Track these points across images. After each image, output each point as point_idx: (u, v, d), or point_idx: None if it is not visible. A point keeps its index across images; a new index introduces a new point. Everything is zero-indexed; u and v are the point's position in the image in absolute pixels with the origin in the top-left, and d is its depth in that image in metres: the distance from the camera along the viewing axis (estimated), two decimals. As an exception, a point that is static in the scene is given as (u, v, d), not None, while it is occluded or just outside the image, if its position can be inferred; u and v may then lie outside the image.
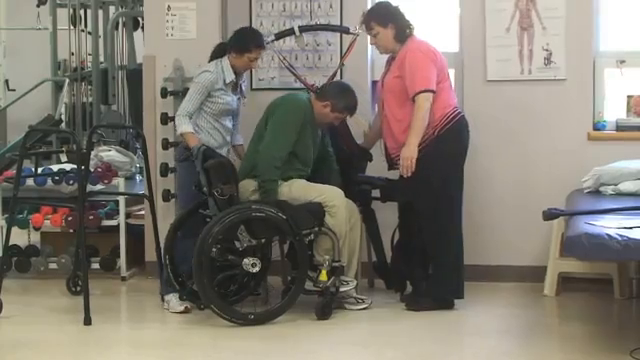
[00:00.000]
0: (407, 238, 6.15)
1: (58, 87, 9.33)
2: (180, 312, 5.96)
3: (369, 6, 6.70)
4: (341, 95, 6.08)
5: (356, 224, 6.01)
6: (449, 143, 5.89)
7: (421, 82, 5.83)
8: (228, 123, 6.19)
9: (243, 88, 6.29)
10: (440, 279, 5.96)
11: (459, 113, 5.97)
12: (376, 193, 6.32)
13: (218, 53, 6.17)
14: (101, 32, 9.26)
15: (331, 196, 5.89)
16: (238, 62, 6.10)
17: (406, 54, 5.92)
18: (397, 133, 5.96)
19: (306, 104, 6.09)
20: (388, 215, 6.31)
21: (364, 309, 5.95)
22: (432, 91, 5.82)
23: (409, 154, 5.83)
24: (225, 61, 6.10)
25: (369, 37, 6.11)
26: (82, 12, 9.44)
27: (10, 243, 6.34)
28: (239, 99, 6.24)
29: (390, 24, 5.97)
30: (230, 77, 6.09)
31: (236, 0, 6.95)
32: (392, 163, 6.07)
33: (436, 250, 5.95)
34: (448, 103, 5.93)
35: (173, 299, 6.03)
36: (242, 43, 6.10)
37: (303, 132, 6.00)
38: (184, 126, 6.02)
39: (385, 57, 6.16)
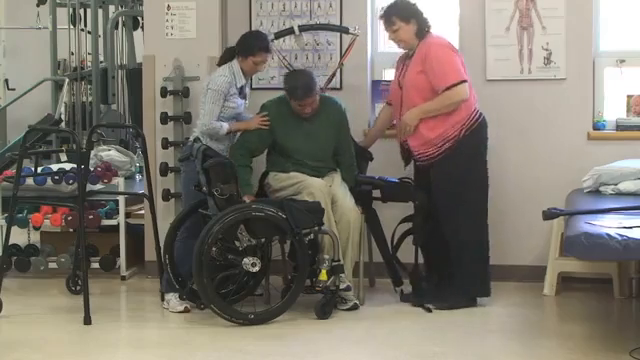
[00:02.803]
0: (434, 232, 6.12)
1: (58, 86, 9.32)
2: (180, 312, 5.97)
3: (369, 6, 6.75)
4: (285, 80, 6.15)
5: (348, 228, 5.96)
6: (473, 144, 5.94)
7: (454, 74, 5.87)
8: None
9: (247, 91, 6.27)
10: (463, 277, 5.96)
11: (481, 113, 6.01)
12: (377, 193, 6.31)
13: (227, 57, 6.15)
14: (101, 31, 9.27)
15: (308, 183, 5.94)
16: (244, 66, 6.08)
17: (430, 48, 5.94)
18: (424, 130, 5.94)
19: (280, 98, 6.15)
20: (389, 215, 6.30)
21: (349, 310, 5.92)
22: (466, 81, 5.88)
23: (410, 120, 5.91)
24: (235, 65, 6.08)
25: (387, 32, 6.09)
26: (82, 11, 9.45)
27: (10, 242, 6.35)
28: (244, 103, 6.23)
29: (413, 19, 6.00)
30: (241, 81, 6.08)
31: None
32: (410, 159, 6.07)
33: (458, 250, 5.95)
34: (472, 102, 5.98)
35: (173, 299, 6.03)
36: (246, 46, 6.08)
37: (279, 124, 6.05)
38: (222, 127, 6.00)
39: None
